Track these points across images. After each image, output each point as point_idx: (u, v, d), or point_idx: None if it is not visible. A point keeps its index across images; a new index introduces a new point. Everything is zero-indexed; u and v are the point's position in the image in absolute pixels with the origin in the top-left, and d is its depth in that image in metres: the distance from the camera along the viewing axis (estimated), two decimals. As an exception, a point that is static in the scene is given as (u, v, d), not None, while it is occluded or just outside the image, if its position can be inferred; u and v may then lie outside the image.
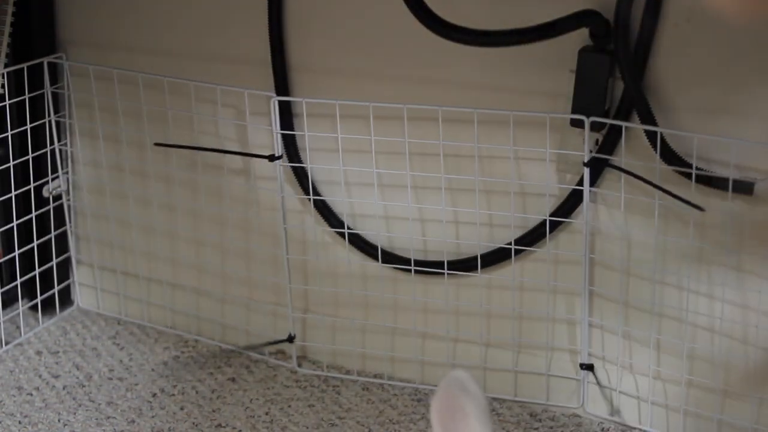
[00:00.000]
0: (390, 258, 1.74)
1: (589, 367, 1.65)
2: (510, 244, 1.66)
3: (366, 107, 1.64)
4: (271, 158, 1.71)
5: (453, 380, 1.10)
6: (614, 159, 1.57)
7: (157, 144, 1.79)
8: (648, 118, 1.51)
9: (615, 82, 1.54)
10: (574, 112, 1.54)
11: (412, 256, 1.72)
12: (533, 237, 1.65)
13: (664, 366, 1.63)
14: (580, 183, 1.60)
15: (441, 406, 1.10)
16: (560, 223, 1.63)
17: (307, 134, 1.72)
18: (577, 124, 1.56)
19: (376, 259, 1.75)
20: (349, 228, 1.76)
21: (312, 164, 1.74)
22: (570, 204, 1.62)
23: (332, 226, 1.77)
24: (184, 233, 1.90)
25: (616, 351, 1.64)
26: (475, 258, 1.68)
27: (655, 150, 1.52)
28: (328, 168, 1.75)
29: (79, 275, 2.00)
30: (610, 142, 1.56)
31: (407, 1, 1.50)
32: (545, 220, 1.64)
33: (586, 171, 1.56)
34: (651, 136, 1.52)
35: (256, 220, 1.83)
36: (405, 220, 1.73)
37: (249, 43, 1.75)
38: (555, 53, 1.56)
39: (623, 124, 1.53)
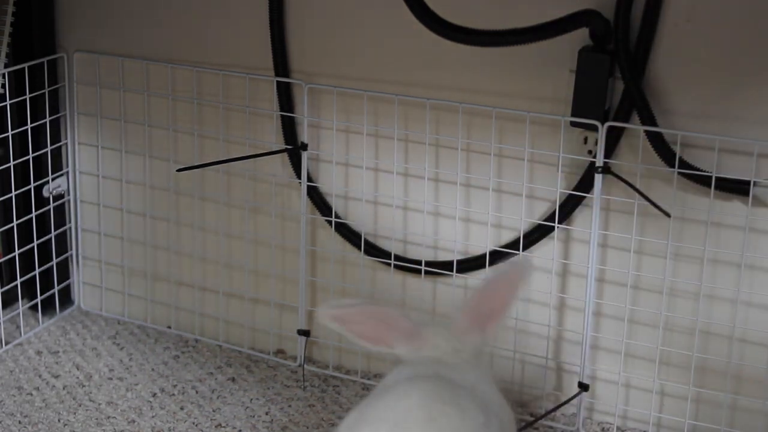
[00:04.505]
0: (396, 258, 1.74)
1: (585, 387, 1.65)
2: (516, 248, 1.67)
3: (386, 102, 1.64)
4: (303, 147, 1.71)
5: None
6: (612, 162, 1.58)
7: (179, 170, 1.79)
8: (648, 118, 1.51)
9: (615, 82, 1.54)
10: (574, 111, 1.54)
11: (423, 257, 1.72)
12: (528, 241, 1.66)
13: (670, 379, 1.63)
14: (579, 184, 1.60)
15: None
16: (552, 228, 1.63)
17: (335, 122, 1.72)
18: (578, 124, 1.55)
19: (388, 258, 1.75)
20: (363, 236, 1.77)
21: (331, 157, 1.75)
22: (570, 206, 1.62)
23: (346, 236, 1.78)
24: (189, 231, 1.90)
25: (618, 366, 1.65)
26: (483, 257, 1.68)
27: (656, 151, 1.52)
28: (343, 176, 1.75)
29: (80, 274, 2.00)
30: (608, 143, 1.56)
31: (408, 2, 1.50)
32: (540, 224, 1.64)
33: (598, 178, 1.55)
34: (652, 137, 1.52)
35: (264, 217, 1.83)
36: (413, 217, 1.73)
37: (251, 49, 1.76)
38: (555, 53, 1.56)
39: (641, 128, 1.54)
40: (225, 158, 1.79)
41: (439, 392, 1.16)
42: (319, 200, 1.77)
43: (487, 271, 1.68)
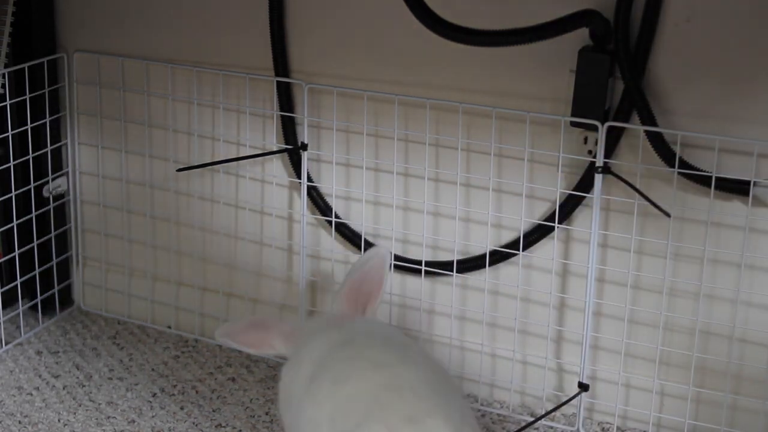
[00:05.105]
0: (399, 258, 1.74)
1: (585, 387, 1.64)
2: (516, 248, 1.67)
3: (385, 102, 1.64)
4: (303, 147, 1.71)
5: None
6: (613, 162, 1.58)
7: (180, 170, 1.79)
8: (648, 118, 1.51)
9: (615, 82, 1.54)
10: (574, 111, 1.54)
11: (423, 257, 1.72)
12: (528, 241, 1.66)
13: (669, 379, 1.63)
14: (579, 184, 1.60)
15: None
16: (552, 228, 1.63)
17: (335, 122, 1.72)
18: (578, 124, 1.56)
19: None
20: (360, 234, 1.77)
21: (330, 157, 1.75)
22: (570, 206, 1.62)
23: (345, 235, 1.78)
24: (188, 230, 1.90)
25: (618, 366, 1.65)
26: (483, 257, 1.68)
27: (656, 151, 1.52)
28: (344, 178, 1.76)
29: (80, 274, 2.00)
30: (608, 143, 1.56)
31: (408, 2, 1.50)
32: (540, 224, 1.65)
33: (598, 178, 1.55)
34: (652, 137, 1.52)
35: (264, 217, 1.83)
36: (412, 217, 1.73)
37: (251, 49, 1.76)
38: (555, 53, 1.56)
39: (642, 128, 1.54)
40: (225, 158, 1.79)
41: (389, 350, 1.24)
42: (319, 200, 1.77)
43: (486, 273, 1.68)
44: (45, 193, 1.91)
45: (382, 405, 1.13)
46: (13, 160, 1.81)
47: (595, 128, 1.53)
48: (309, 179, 1.75)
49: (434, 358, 1.28)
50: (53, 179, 1.92)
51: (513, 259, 1.68)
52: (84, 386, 1.77)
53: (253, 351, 1.41)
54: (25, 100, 1.83)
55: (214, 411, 1.71)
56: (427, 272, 1.72)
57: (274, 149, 1.77)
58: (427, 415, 1.11)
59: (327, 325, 1.36)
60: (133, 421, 1.67)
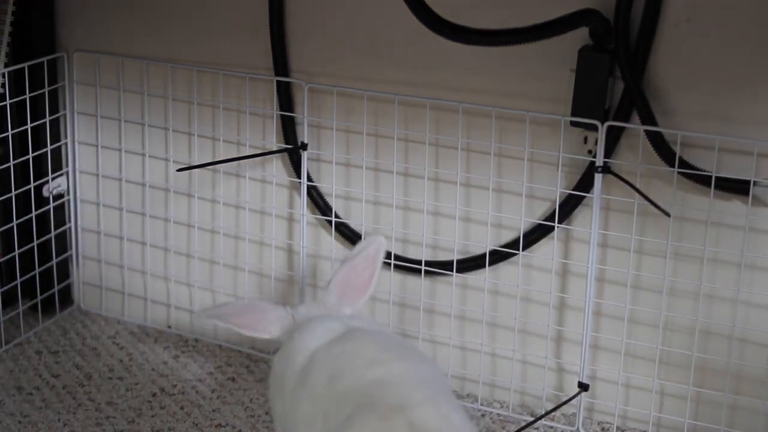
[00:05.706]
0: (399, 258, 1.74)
1: (585, 387, 1.64)
2: (516, 248, 1.67)
3: (385, 102, 1.64)
4: (303, 147, 1.71)
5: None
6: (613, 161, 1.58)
7: (180, 170, 1.79)
8: (648, 118, 1.51)
9: (615, 82, 1.54)
10: (574, 111, 1.54)
11: (423, 256, 1.72)
12: (528, 241, 1.66)
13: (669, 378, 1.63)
14: (579, 184, 1.60)
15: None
16: (552, 228, 1.63)
17: (335, 122, 1.72)
18: (578, 124, 1.56)
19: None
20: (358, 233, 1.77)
21: (330, 157, 1.75)
22: (570, 206, 1.62)
23: (343, 234, 1.78)
24: (188, 230, 1.90)
25: (618, 366, 1.65)
26: (483, 257, 1.68)
27: (656, 151, 1.52)
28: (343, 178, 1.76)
29: (80, 274, 2.00)
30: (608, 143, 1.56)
31: (408, 2, 1.50)
32: (540, 224, 1.65)
33: (598, 178, 1.55)
34: (652, 137, 1.52)
35: (264, 217, 1.83)
36: (414, 217, 1.73)
37: (251, 49, 1.76)
38: (555, 53, 1.56)
39: (641, 127, 1.54)
40: (225, 158, 1.79)
41: (388, 344, 1.25)
42: (319, 200, 1.77)
43: (486, 272, 1.68)
44: (45, 193, 1.91)
45: (373, 396, 1.15)
46: (13, 160, 1.81)
47: (595, 128, 1.54)
48: (309, 179, 1.75)
49: (427, 357, 1.28)
50: (53, 179, 1.92)
51: (513, 258, 1.68)
52: (84, 386, 1.77)
53: (246, 332, 1.41)
54: (25, 99, 1.83)
55: (214, 411, 1.71)
56: (427, 272, 1.72)
57: (274, 149, 1.77)
58: (418, 404, 1.12)
59: (321, 315, 1.37)
60: (133, 421, 1.67)
